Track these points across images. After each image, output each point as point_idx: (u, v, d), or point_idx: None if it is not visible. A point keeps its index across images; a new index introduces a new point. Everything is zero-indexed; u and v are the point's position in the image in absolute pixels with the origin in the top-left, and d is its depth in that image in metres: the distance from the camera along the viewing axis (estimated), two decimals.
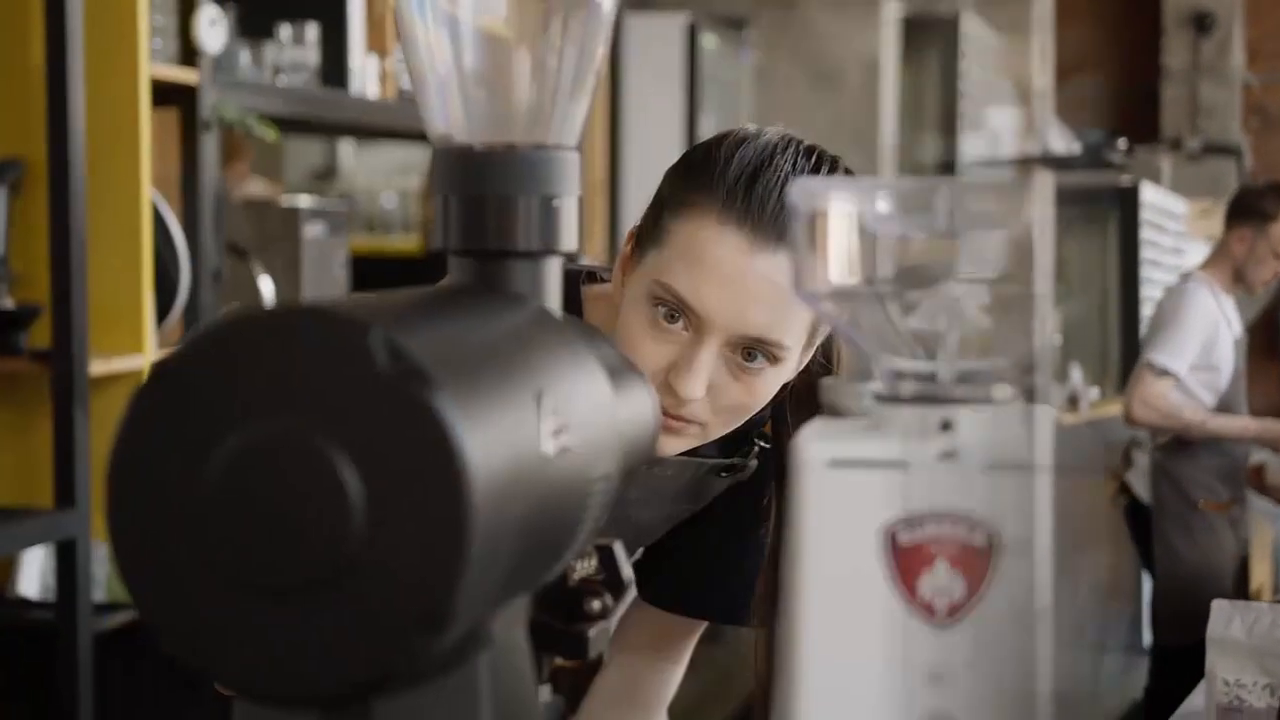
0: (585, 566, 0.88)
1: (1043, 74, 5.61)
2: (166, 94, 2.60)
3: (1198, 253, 8.26)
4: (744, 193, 1.24)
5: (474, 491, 0.60)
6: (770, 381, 1.28)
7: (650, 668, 1.49)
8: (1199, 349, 4.27)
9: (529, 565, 0.69)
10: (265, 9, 2.99)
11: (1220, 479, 4.39)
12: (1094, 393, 6.13)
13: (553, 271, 0.81)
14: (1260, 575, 4.77)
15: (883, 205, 0.71)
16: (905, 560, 0.68)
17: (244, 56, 2.92)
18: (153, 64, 2.52)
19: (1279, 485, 5.00)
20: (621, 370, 0.85)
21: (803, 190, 0.71)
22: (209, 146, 2.63)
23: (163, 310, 2.57)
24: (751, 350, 1.25)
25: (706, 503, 1.45)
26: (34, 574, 2.57)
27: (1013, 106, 5.41)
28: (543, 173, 0.80)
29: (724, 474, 1.43)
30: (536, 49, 0.82)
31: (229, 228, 2.94)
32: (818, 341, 1.33)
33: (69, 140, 2.31)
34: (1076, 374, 6.29)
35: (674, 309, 1.25)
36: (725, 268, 1.23)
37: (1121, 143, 6.39)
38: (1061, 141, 5.64)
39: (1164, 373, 4.24)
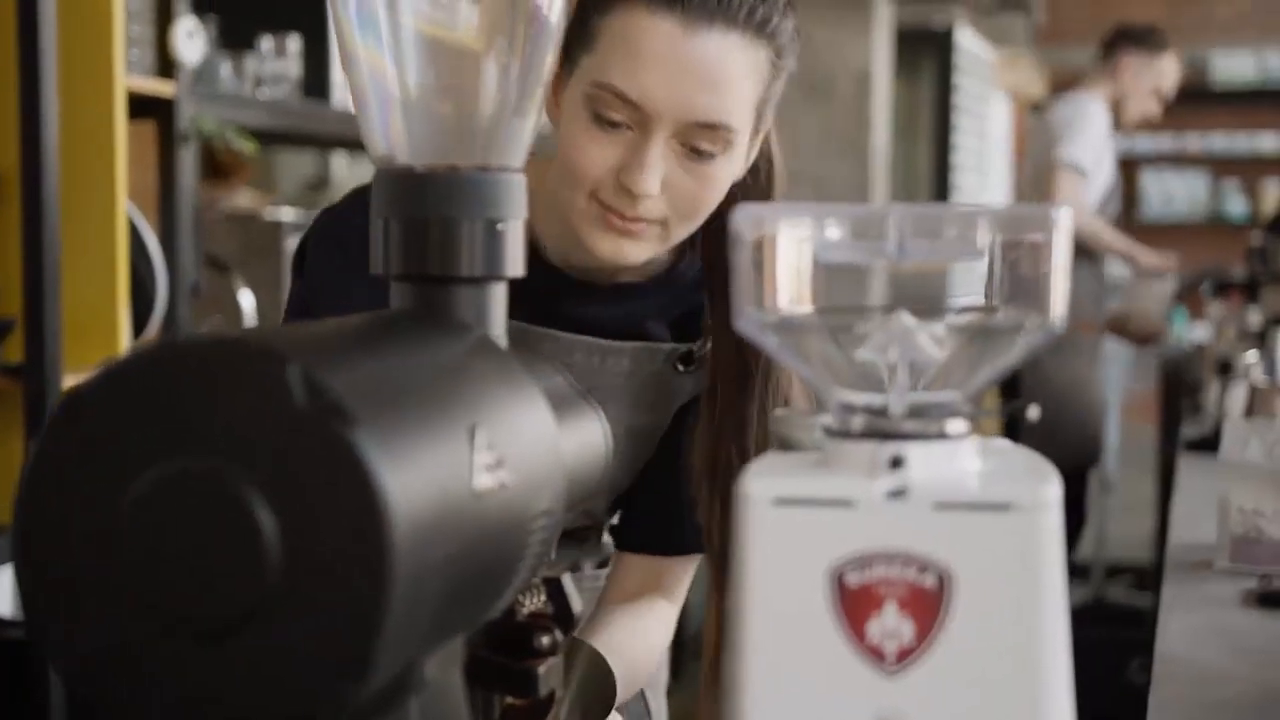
0: (533, 601, 0.85)
1: None
2: (144, 106, 2.57)
3: (999, 103, 8.37)
4: None
5: (395, 531, 0.57)
6: (723, 171, 1.25)
7: (651, 613, 1.44)
8: (1095, 157, 4.35)
9: (462, 605, 0.67)
10: (247, 20, 2.96)
11: (1092, 301, 4.45)
12: None
13: (497, 297, 0.79)
14: None
15: (833, 232, 0.68)
16: (853, 602, 0.65)
17: (225, 68, 2.90)
18: (130, 76, 2.49)
19: (1141, 330, 4.92)
20: (569, 400, 0.82)
21: (748, 216, 0.68)
22: (187, 159, 2.60)
23: (139, 324, 2.54)
24: (698, 145, 1.22)
25: (668, 419, 1.41)
26: (6, 591, 2.54)
27: None
28: (487, 195, 0.78)
29: (681, 366, 1.40)
30: (480, 66, 0.79)
31: (211, 241, 2.92)
32: (764, 129, 1.31)
33: (42, 152, 2.28)
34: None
35: (615, 109, 1.22)
36: (662, 54, 1.20)
37: None
38: None
39: (1080, 172, 4.30)
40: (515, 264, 0.79)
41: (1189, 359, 4.53)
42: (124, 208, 2.44)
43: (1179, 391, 4.51)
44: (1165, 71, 4.59)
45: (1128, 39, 4.58)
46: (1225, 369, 3.06)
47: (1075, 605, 5.26)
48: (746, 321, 0.68)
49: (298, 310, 1.39)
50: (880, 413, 0.68)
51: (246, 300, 2.90)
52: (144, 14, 2.56)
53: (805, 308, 0.69)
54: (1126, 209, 10.03)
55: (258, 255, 2.98)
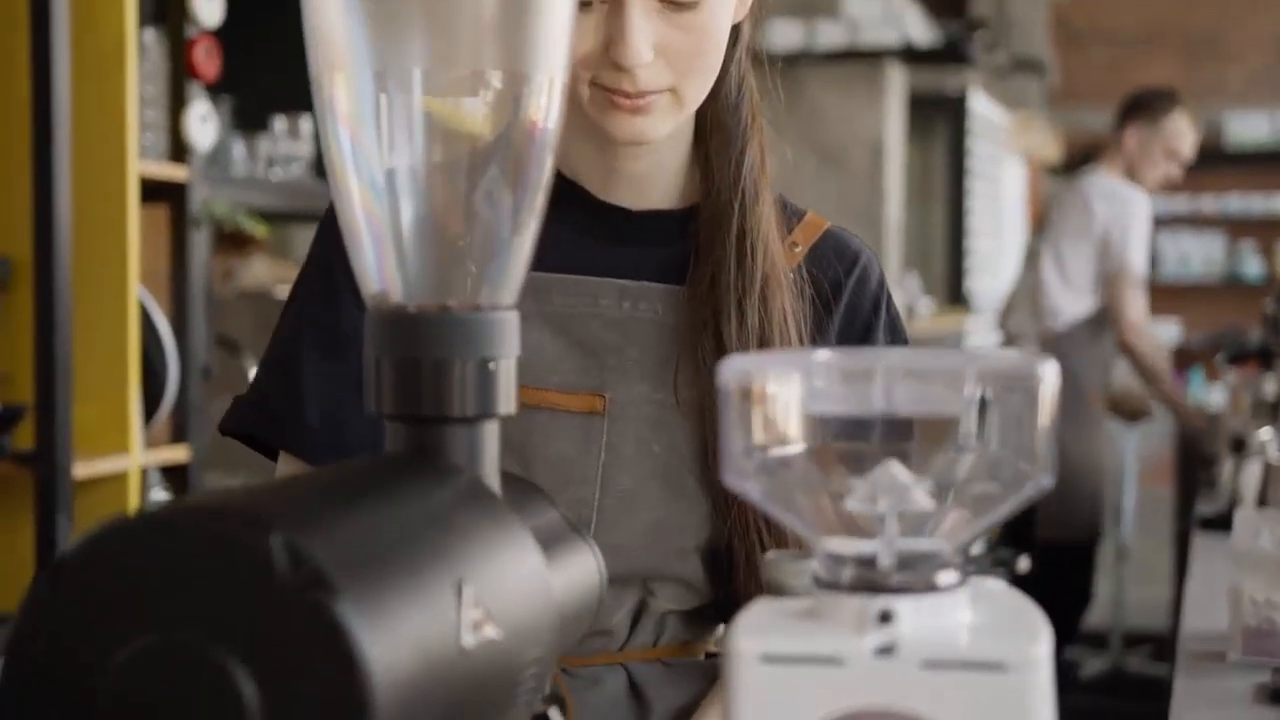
0: None
1: None
2: (157, 190, 2.59)
3: (1013, 166, 8.42)
4: None
5: (378, 702, 0.57)
6: (717, 14, 1.19)
7: None
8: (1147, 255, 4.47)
9: None
10: (261, 101, 2.98)
11: (1101, 371, 4.49)
12: (927, 303, 6.24)
13: (490, 436, 0.78)
14: None
15: (819, 383, 0.68)
16: None
17: (238, 148, 2.92)
18: (143, 161, 2.51)
19: (1131, 408, 4.96)
20: (561, 536, 0.82)
21: (734, 367, 0.68)
22: (199, 243, 2.62)
23: (150, 409, 2.55)
24: None
25: None
26: None
27: None
28: (479, 335, 0.78)
29: None
30: (473, 205, 0.79)
31: (224, 318, 2.92)
32: None
33: (54, 238, 2.30)
34: (913, 283, 6.29)
35: None
36: None
37: (980, 37, 6.34)
38: (921, 30, 5.60)
39: (1142, 283, 4.40)
40: (508, 401, 0.79)
41: (1205, 429, 4.51)
42: (136, 293, 2.45)
43: (1194, 463, 4.49)
44: (1174, 133, 4.61)
45: (1130, 109, 4.64)
46: (1239, 446, 3.05)
47: (1093, 676, 5.22)
48: (732, 471, 0.68)
49: (303, 292, 1.32)
50: (869, 563, 0.68)
51: None
52: (158, 99, 2.58)
53: (792, 458, 0.68)
54: None
55: (270, 333, 2.98)
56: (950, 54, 5.82)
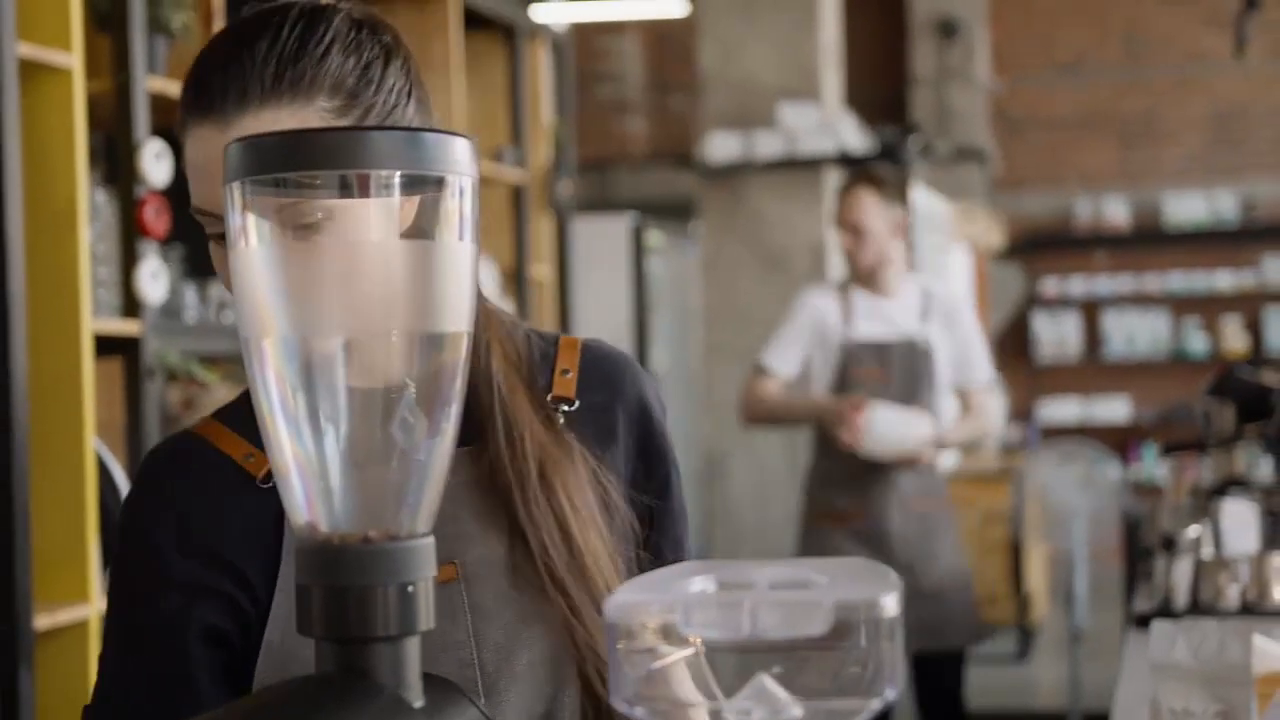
0: None
1: (830, 69, 5.64)
2: (110, 345, 2.68)
3: (959, 254, 8.58)
4: (199, 82, 1.20)
5: None
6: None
7: None
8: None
9: None
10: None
11: (924, 482, 4.15)
12: None
13: (411, 651, 0.87)
14: None
15: (697, 615, 0.77)
16: None
17: (190, 293, 3.01)
18: (96, 318, 2.60)
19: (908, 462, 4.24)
20: None
21: (617, 603, 0.77)
22: (152, 393, 2.70)
23: (108, 556, 2.62)
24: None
25: None
26: None
27: (807, 104, 5.43)
28: (398, 562, 0.87)
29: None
30: (389, 442, 0.89)
31: None
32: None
33: (11, 395, 2.38)
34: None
35: (210, 224, 1.19)
36: (204, 157, 1.18)
37: (915, 140, 6.43)
38: (856, 137, 5.68)
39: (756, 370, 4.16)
40: (428, 618, 0.87)
41: (1146, 516, 4.58)
42: (91, 445, 2.53)
43: (1135, 550, 4.57)
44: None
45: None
46: (1169, 544, 3.13)
47: None
48: (620, 701, 0.76)
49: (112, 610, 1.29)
50: None
51: None
52: (110, 257, 2.68)
53: (674, 690, 0.77)
54: (1090, 350, 10.25)
55: None
56: (886, 157, 5.98)
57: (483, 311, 1.30)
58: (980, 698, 5.32)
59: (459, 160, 0.88)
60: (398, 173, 0.86)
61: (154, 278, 2.67)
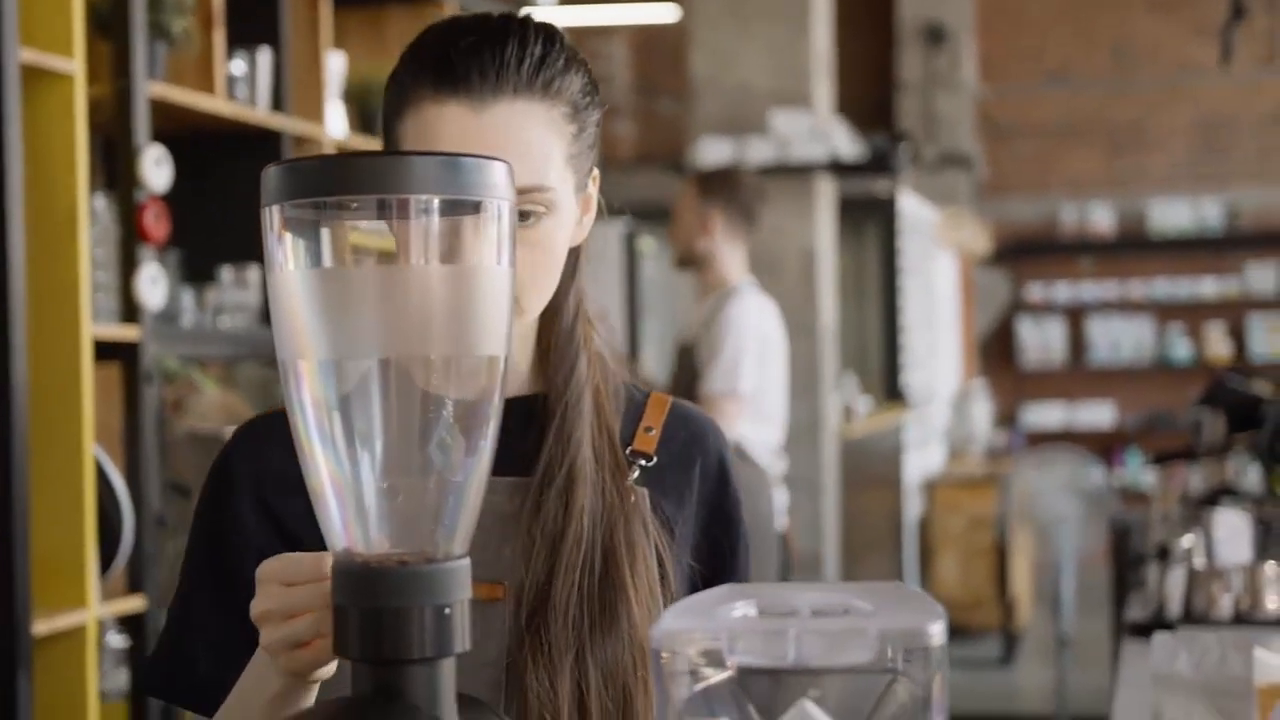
0: None
1: (822, 76, 5.65)
2: (109, 349, 2.67)
3: (945, 259, 8.60)
4: (448, 61, 1.21)
5: None
6: (555, 232, 1.24)
7: None
8: None
9: None
10: (208, 253, 3.08)
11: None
12: (866, 402, 6.33)
13: (447, 673, 0.87)
14: None
15: (741, 643, 0.77)
16: None
17: (188, 298, 3.01)
18: (96, 323, 2.60)
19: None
20: None
21: (663, 630, 0.78)
22: (151, 397, 2.70)
23: (106, 561, 2.62)
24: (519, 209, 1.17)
25: None
26: None
27: (799, 111, 5.45)
28: (435, 584, 0.87)
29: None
30: (426, 465, 0.89)
31: (173, 461, 2.99)
32: (589, 188, 1.30)
33: (12, 401, 2.38)
34: (851, 383, 6.40)
35: None
36: (456, 137, 1.20)
37: (905, 148, 6.45)
38: (848, 144, 5.70)
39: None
40: (463, 639, 0.88)
41: (1137, 524, 4.59)
42: (91, 451, 2.53)
43: (1126, 559, 4.58)
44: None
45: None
46: (1163, 554, 3.14)
47: None
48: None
49: (194, 541, 1.32)
50: None
51: None
52: (109, 263, 2.67)
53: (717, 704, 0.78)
54: (1075, 356, 10.28)
55: None
56: (877, 165, 5.99)
57: (591, 357, 1.31)
58: (964, 702, 5.33)
59: (497, 184, 0.88)
60: (436, 197, 0.86)
61: (153, 283, 2.66)
